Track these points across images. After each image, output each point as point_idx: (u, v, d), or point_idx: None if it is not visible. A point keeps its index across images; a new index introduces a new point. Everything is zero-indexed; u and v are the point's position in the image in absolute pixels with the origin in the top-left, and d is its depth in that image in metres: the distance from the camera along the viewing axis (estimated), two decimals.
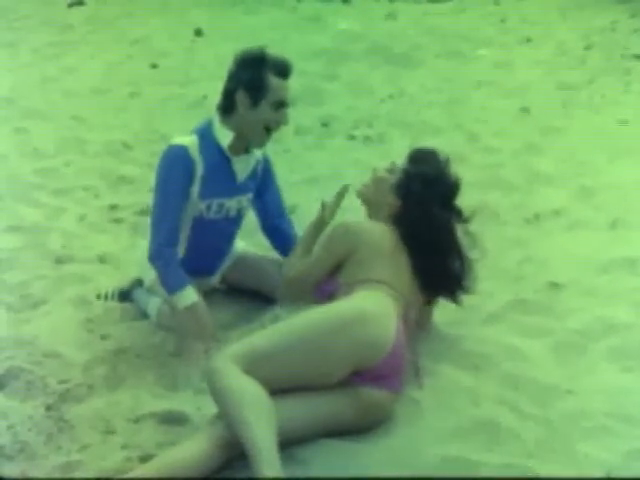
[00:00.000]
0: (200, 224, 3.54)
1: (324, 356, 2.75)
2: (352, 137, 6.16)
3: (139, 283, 3.75)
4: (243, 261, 3.82)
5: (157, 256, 3.40)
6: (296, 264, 3.29)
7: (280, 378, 2.71)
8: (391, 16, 9.10)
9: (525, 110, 6.45)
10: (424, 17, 8.95)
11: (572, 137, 5.90)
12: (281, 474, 2.46)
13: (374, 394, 2.84)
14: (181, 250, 3.53)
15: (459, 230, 3.28)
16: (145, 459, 2.71)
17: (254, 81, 3.35)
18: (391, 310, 2.96)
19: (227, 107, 3.44)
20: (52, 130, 6.25)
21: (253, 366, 2.65)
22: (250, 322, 3.55)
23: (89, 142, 6.00)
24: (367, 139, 6.12)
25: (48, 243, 4.43)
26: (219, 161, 3.48)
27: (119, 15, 9.60)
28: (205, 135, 3.46)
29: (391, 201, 3.26)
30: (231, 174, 3.53)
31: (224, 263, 3.79)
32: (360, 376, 2.82)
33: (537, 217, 4.65)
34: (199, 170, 3.42)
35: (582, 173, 5.26)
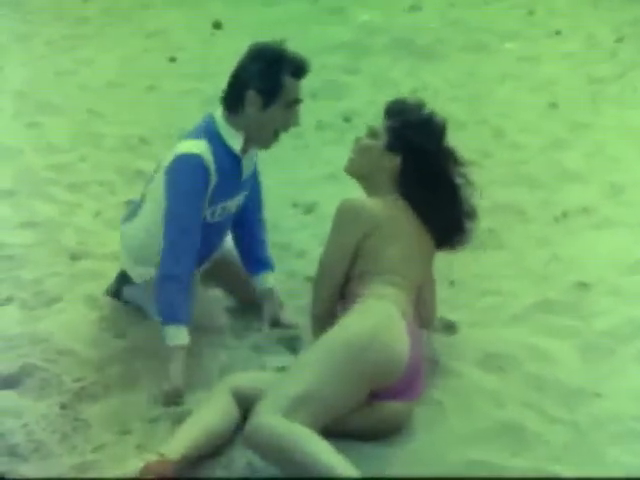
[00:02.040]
0: (205, 231, 3.30)
1: (351, 387, 2.70)
2: None
3: (125, 279, 3.53)
4: (225, 264, 3.64)
5: (168, 283, 3.11)
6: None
7: (318, 418, 2.61)
8: (414, 8, 8.98)
9: (553, 105, 6.35)
10: (449, 9, 8.84)
11: (601, 133, 5.80)
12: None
13: (391, 407, 2.79)
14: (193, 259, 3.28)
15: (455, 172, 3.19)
16: None
17: (269, 82, 3.12)
18: (400, 323, 2.85)
19: (234, 105, 3.20)
20: (67, 124, 6.20)
21: (292, 414, 2.56)
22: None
23: (105, 136, 5.95)
24: None
25: (63, 239, 4.38)
26: (230, 164, 3.25)
27: (136, 7, 9.53)
28: (213, 137, 3.20)
29: (388, 163, 3.12)
30: (239, 175, 3.35)
31: (213, 256, 3.57)
32: (377, 396, 2.78)
33: (565, 215, 4.57)
34: (214, 179, 3.19)
35: (612, 170, 5.17)
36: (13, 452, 2.75)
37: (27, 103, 6.67)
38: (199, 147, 3.14)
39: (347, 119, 6.31)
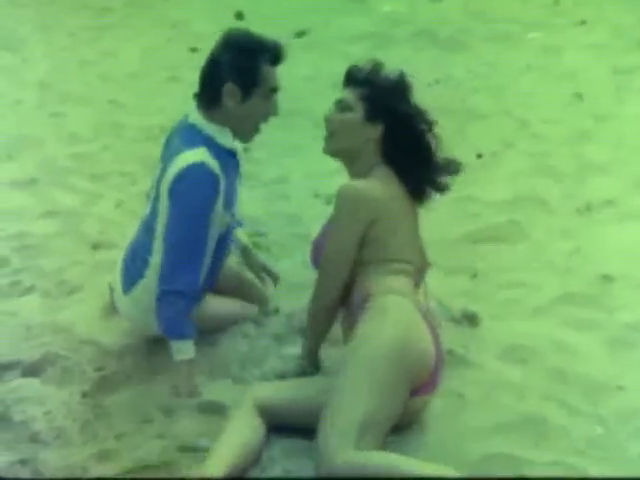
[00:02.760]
0: (224, 237, 3.20)
1: (400, 397, 2.67)
2: None
3: None
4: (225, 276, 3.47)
5: (171, 302, 2.97)
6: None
7: (381, 436, 2.58)
8: None
9: (577, 96, 6.28)
10: None
11: (627, 124, 5.71)
12: None
13: (412, 401, 2.76)
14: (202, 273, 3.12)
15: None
16: (182, 449, 2.70)
17: (247, 73, 2.98)
18: (420, 320, 2.79)
19: (212, 101, 3.04)
20: (89, 115, 6.22)
21: (361, 443, 2.49)
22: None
23: (127, 127, 5.96)
24: None
25: (84, 229, 4.39)
26: (230, 164, 3.11)
27: None
28: (206, 141, 3.02)
29: (372, 134, 2.96)
30: (239, 171, 3.26)
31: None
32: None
33: (588, 207, 4.52)
34: (222, 183, 3.03)
35: (636, 162, 5.09)
36: (35, 439, 2.77)
37: (50, 93, 6.70)
38: (201, 155, 2.96)
39: None
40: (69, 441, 2.76)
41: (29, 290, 3.74)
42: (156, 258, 3.06)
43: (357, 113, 2.96)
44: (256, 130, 3.12)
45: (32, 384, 3.04)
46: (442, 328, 3.30)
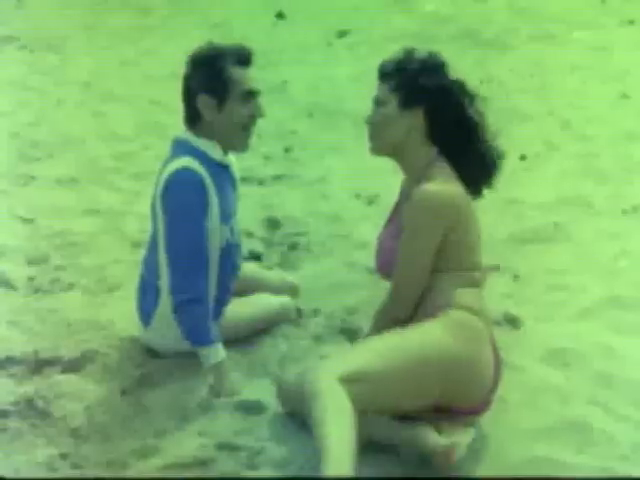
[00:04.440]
0: (227, 252, 3.15)
1: (413, 391, 2.62)
2: None
3: None
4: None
5: (189, 307, 2.97)
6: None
7: (366, 398, 2.54)
8: None
9: (624, 96, 6.20)
10: None
11: None
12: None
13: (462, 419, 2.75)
14: (212, 292, 3.11)
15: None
16: (221, 447, 2.69)
17: (213, 78, 2.98)
18: (488, 342, 2.73)
19: (192, 118, 3.06)
20: (130, 114, 6.26)
21: (352, 387, 2.49)
22: None
23: (168, 126, 5.96)
24: None
25: (125, 227, 4.41)
26: (222, 175, 3.10)
27: None
28: (194, 152, 3.02)
29: (413, 120, 2.81)
30: (234, 184, 3.22)
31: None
32: (454, 410, 2.73)
33: (635, 208, 4.46)
34: (213, 194, 3.01)
35: None
36: (75, 434, 2.78)
37: (92, 93, 6.75)
38: (187, 162, 2.98)
39: None
40: (109, 437, 2.76)
41: (70, 287, 3.76)
42: (164, 279, 3.07)
43: (391, 105, 2.83)
44: (245, 135, 3.09)
45: (72, 380, 3.05)
46: None
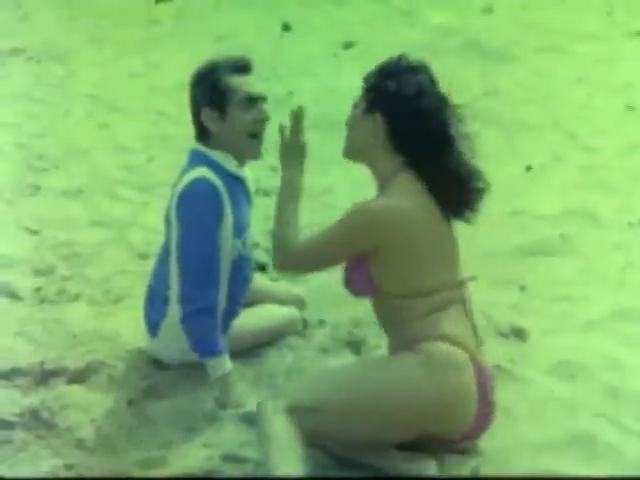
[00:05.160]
0: (239, 265, 3.15)
1: (387, 430, 2.57)
2: None
3: None
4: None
5: (196, 322, 2.97)
6: (292, 239, 2.73)
7: (334, 434, 2.56)
8: (488, 10, 8.87)
9: (630, 108, 6.19)
10: (523, 10, 8.70)
11: None
12: None
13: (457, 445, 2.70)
14: (222, 304, 3.10)
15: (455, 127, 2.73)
16: (226, 458, 2.69)
17: (212, 91, 3.02)
18: (468, 374, 2.58)
19: (200, 133, 3.10)
20: (137, 125, 6.27)
21: (305, 417, 2.48)
22: None
23: (174, 137, 5.99)
24: None
25: (131, 238, 4.42)
26: (238, 190, 3.11)
27: (206, 10, 9.62)
28: (210, 164, 3.03)
29: (371, 124, 2.71)
30: (249, 196, 3.22)
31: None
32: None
33: None
34: (227, 205, 3.03)
35: None
36: (80, 445, 2.78)
37: (98, 105, 6.77)
38: (203, 172, 2.98)
39: None
40: (114, 448, 2.76)
41: (76, 298, 3.77)
42: (174, 289, 3.06)
43: (360, 108, 2.76)
44: (254, 142, 3.09)
45: (78, 391, 3.06)
46: (490, 342, 3.28)
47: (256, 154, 3.13)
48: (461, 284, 2.74)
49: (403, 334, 2.66)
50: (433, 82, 2.78)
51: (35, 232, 4.43)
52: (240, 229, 3.11)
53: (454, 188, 2.70)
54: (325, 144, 5.63)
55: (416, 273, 2.63)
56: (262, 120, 3.08)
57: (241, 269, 3.17)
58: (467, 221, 2.78)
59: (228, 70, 3.04)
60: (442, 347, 2.56)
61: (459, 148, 2.70)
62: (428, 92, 2.72)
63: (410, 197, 2.64)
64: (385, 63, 2.80)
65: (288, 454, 2.40)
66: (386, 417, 2.52)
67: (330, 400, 2.51)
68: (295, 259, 2.72)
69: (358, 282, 2.71)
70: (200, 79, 3.08)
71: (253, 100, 3.06)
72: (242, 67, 3.07)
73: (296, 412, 2.46)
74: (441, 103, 2.74)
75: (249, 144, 3.08)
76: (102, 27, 9.09)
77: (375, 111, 2.71)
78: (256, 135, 3.08)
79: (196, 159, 3.08)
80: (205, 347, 2.97)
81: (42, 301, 3.74)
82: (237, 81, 3.04)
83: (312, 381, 2.66)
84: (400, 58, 2.79)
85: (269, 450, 2.42)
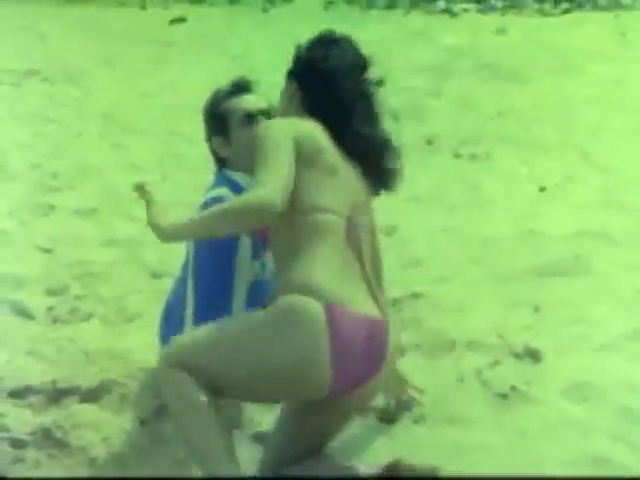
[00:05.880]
0: (256, 288, 3.11)
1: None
2: (458, 155, 5.99)
3: None
4: None
5: None
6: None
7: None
8: (501, 31, 8.88)
9: None
10: (536, 31, 8.72)
11: None
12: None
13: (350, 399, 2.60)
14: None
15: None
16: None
17: (214, 118, 3.10)
18: (316, 328, 2.43)
19: (218, 162, 3.17)
20: (150, 145, 6.30)
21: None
22: None
23: (187, 157, 6.01)
24: (473, 157, 5.93)
25: (144, 257, 4.42)
26: None
27: (220, 31, 9.68)
28: (230, 184, 3.05)
29: (289, 92, 2.82)
30: None
31: None
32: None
33: None
34: None
35: None
36: (93, 465, 2.78)
37: (111, 125, 6.80)
38: (221, 192, 3.01)
39: (429, 142, 6.24)
40: (127, 467, 2.77)
41: (88, 317, 3.78)
42: (189, 310, 3.05)
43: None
44: None
45: (90, 410, 3.06)
46: (504, 363, 3.26)
47: None
48: (350, 222, 2.64)
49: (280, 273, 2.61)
50: (350, 52, 2.86)
51: (48, 251, 4.45)
52: (258, 251, 3.09)
53: (367, 160, 2.75)
54: None
55: (305, 187, 2.56)
56: None
57: (259, 292, 3.14)
58: (377, 193, 2.85)
59: (226, 94, 3.10)
60: (291, 302, 2.46)
61: (366, 114, 2.75)
62: (337, 57, 2.80)
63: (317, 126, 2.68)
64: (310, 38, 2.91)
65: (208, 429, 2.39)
66: (248, 374, 2.45)
67: (207, 355, 2.44)
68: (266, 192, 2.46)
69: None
70: (205, 110, 3.16)
71: (252, 117, 3.07)
72: (240, 88, 3.12)
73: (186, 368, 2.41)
74: (352, 69, 2.80)
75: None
76: (116, 48, 9.16)
77: (291, 78, 2.84)
78: None
79: (218, 180, 3.11)
80: None
81: (55, 320, 3.75)
82: (235, 102, 3.08)
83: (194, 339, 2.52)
84: (323, 31, 2.94)
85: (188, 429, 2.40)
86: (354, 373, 2.51)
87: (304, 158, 2.56)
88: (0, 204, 5.07)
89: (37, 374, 3.26)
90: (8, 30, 9.90)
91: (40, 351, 3.44)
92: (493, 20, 9.61)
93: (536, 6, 9.95)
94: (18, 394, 3.14)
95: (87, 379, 3.23)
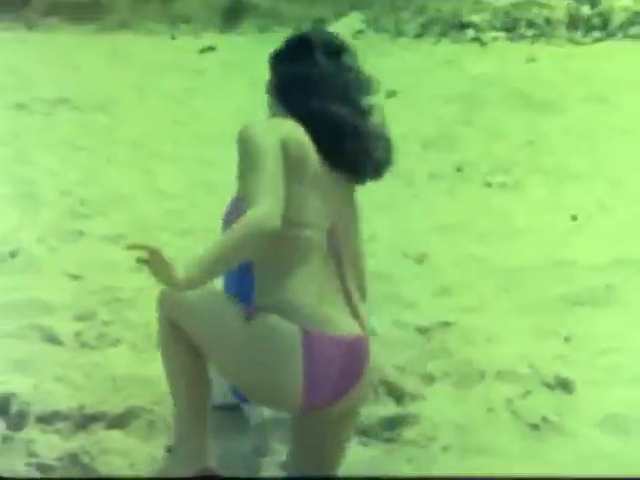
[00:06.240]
0: None
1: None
2: (488, 184, 5.98)
3: None
4: None
5: None
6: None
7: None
8: (531, 59, 8.88)
9: None
10: (567, 60, 8.73)
11: None
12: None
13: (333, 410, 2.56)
14: None
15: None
16: None
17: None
18: (291, 348, 2.42)
19: None
20: (179, 172, 6.34)
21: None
22: None
23: (216, 184, 6.03)
24: (503, 186, 5.92)
25: None
26: None
27: (249, 59, 9.74)
28: None
29: (268, 85, 2.78)
30: None
31: None
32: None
33: None
34: None
35: None
36: None
37: (141, 152, 6.86)
38: None
39: (459, 170, 6.23)
40: None
41: (116, 343, 3.76)
42: None
43: None
44: None
45: (117, 436, 3.03)
46: (535, 393, 3.21)
47: None
48: (330, 232, 2.56)
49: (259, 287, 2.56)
50: (328, 44, 2.71)
51: (77, 277, 4.46)
52: None
53: (330, 139, 2.58)
54: (368, 191, 5.61)
55: (290, 200, 2.43)
56: None
57: None
58: (352, 180, 2.69)
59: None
60: (268, 323, 2.43)
61: (337, 95, 2.62)
62: (308, 46, 2.69)
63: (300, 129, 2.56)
64: None
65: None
66: (226, 369, 2.56)
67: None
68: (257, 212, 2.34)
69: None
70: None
71: None
72: None
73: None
74: (322, 47, 2.68)
75: None
76: (146, 77, 9.25)
77: (270, 72, 2.79)
78: None
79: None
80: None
81: (82, 345, 3.74)
82: None
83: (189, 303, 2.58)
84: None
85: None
86: (328, 390, 2.49)
87: (290, 163, 2.46)
88: (30, 230, 5.10)
89: (65, 400, 3.23)
90: (40, 60, 10.06)
91: (68, 377, 3.42)
92: (523, 48, 9.62)
93: (566, 35, 9.91)
94: (46, 419, 3.11)
95: (114, 405, 3.19)
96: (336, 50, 2.71)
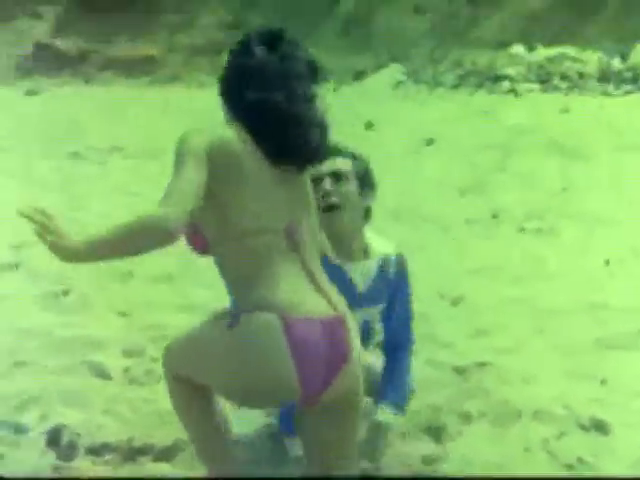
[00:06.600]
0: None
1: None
2: (522, 229, 6.04)
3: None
4: None
5: None
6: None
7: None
8: (564, 110, 8.96)
9: None
10: (599, 111, 8.77)
11: None
12: None
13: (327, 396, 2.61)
14: None
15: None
16: None
17: None
18: (279, 342, 2.48)
19: None
20: None
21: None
22: None
23: None
24: (538, 231, 5.98)
25: None
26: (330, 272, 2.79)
27: None
28: None
29: None
30: (349, 287, 3.03)
31: None
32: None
33: None
34: None
35: None
36: None
37: None
38: None
39: (495, 215, 6.30)
40: None
41: (163, 378, 3.85)
42: None
43: None
44: (330, 215, 3.00)
45: (164, 468, 3.11)
46: (570, 434, 3.26)
47: (338, 224, 3.06)
48: (288, 232, 2.59)
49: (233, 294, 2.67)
50: (264, 35, 2.68)
51: (126, 315, 4.59)
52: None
53: (262, 123, 2.58)
54: (405, 233, 5.73)
55: (236, 211, 2.51)
56: (326, 194, 3.00)
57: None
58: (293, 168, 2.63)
59: None
60: (249, 319, 2.51)
61: (271, 88, 2.59)
62: (245, 41, 2.67)
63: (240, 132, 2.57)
64: None
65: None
66: (225, 388, 2.64)
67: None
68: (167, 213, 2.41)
69: (190, 236, 2.78)
70: None
71: (316, 181, 2.94)
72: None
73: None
74: (262, 50, 2.64)
75: (325, 218, 2.97)
76: (196, 126, 9.42)
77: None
78: (327, 208, 3.01)
79: None
80: (286, 424, 3.05)
81: (131, 381, 3.84)
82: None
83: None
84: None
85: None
86: (320, 372, 2.55)
87: (221, 169, 2.49)
88: (81, 270, 5.23)
89: (113, 432, 3.32)
90: (95, 111, 10.30)
91: (117, 410, 3.52)
92: (556, 100, 9.68)
93: (598, 87, 9.99)
94: (95, 451, 3.20)
95: (161, 438, 3.28)
96: (273, 40, 2.65)
